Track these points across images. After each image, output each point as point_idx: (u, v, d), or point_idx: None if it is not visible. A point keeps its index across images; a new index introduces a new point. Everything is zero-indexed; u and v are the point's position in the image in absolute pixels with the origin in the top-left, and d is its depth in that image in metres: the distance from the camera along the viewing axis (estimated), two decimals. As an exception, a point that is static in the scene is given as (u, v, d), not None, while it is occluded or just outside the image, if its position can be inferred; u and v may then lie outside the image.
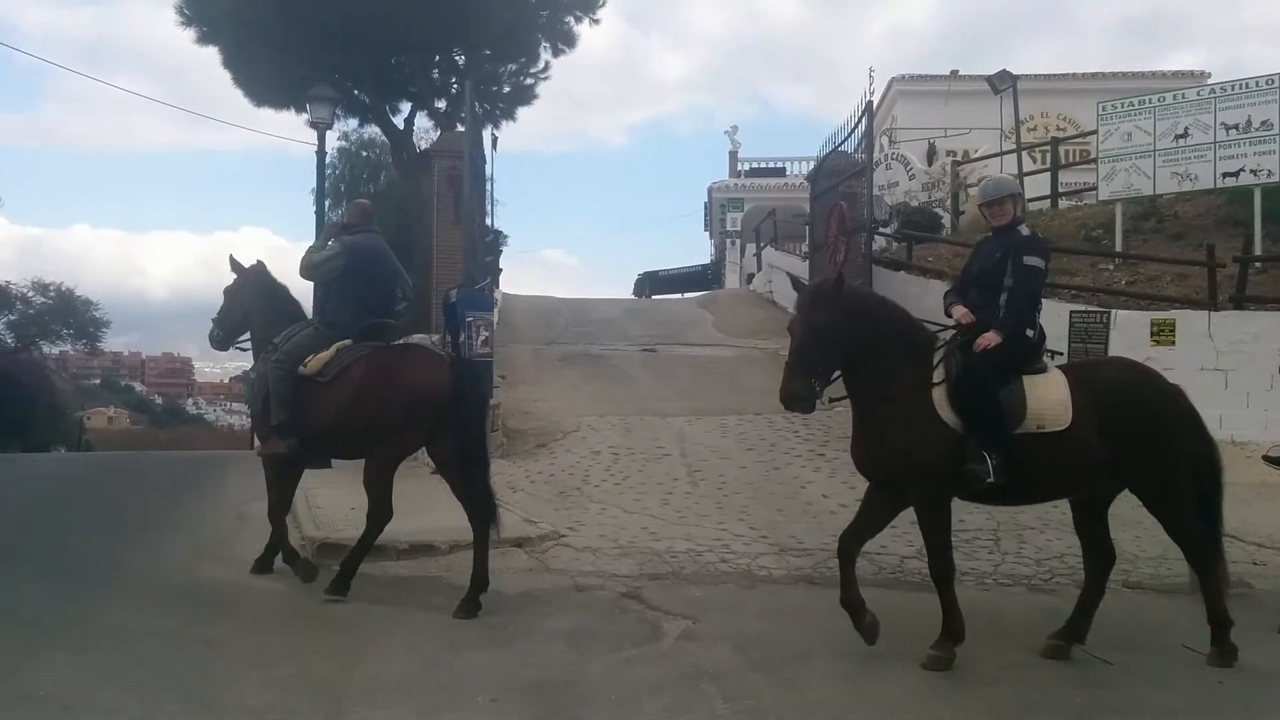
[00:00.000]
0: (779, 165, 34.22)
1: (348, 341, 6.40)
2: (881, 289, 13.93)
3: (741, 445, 10.01)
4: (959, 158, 19.65)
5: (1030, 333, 5.12)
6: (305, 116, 16.34)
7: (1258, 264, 11.32)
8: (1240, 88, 11.70)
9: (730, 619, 5.60)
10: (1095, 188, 13.36)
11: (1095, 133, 13.20)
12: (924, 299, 13.05)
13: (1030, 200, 14.27)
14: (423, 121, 19.44)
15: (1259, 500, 8.20)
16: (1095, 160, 13.25)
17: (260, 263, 7.17)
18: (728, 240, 32.70)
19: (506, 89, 19.17)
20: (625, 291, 35.63)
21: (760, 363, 14.74)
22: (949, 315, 5.35)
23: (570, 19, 18.47)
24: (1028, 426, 4.84)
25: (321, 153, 15.71)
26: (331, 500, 8.59)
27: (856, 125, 14.43)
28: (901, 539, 7.19)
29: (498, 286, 18.70)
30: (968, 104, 21.99)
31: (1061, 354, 10.56)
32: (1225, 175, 11.72)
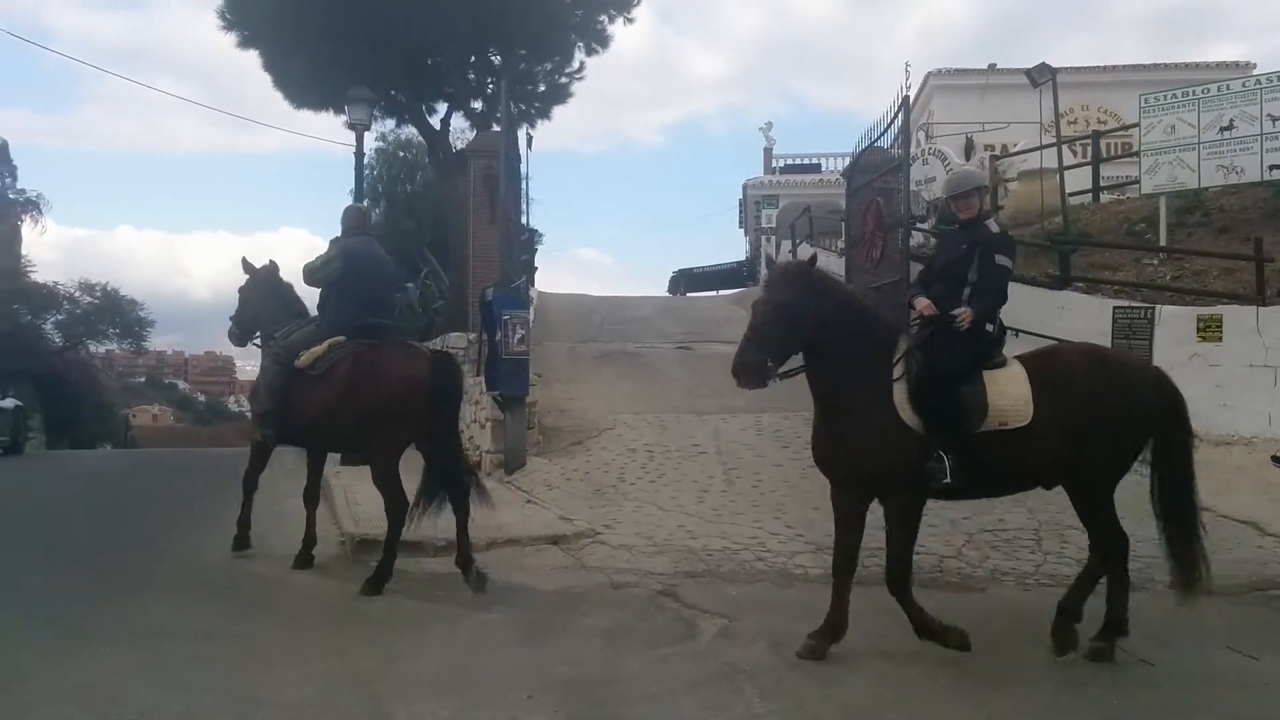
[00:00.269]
0: (814, 162, 34.02)
1: (341, 338, 6.67)
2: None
3: (777, 443, 9.96)
4: (997, 152, 19.41)
5: (990, 327, 5.01)
6: (343, 118, 16.45)
7: (1307, 257, 11.07)
8: (1287, 78, 11.46)
9: (767, 618, 5.57)
10: (1138, 181, 13.13)
11: (1137, 125, 12.97)
12: (962, 295, 12.96)
13: (1071, 194, 14.09)
14: (459, 122, 19.56)
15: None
16: (1138, 153, 13.02)
17: (271, 263, 7.51)
18: (763, 237, 32.56)
19: (542, 88, 19.21)
20: (660, 289, 35.65)
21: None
22: (911, 309, 5.25)
23: (604, 18, 18.47)
24: (989, 424, 4.74)
25: (359, 154, 15.82)
26: (371, 497, 8.64)
27: (893, 120, 14.30)
28: (939, 538, 7.13)
29: (533, 285, 18.76)
30: (1006, 98, 21.70)
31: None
32: (1272, 168, 11.46)
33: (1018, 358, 5.06)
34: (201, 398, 79.99)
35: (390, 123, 20.63)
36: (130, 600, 5.83)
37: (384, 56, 16.79)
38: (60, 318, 31.55)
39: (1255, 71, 17.37)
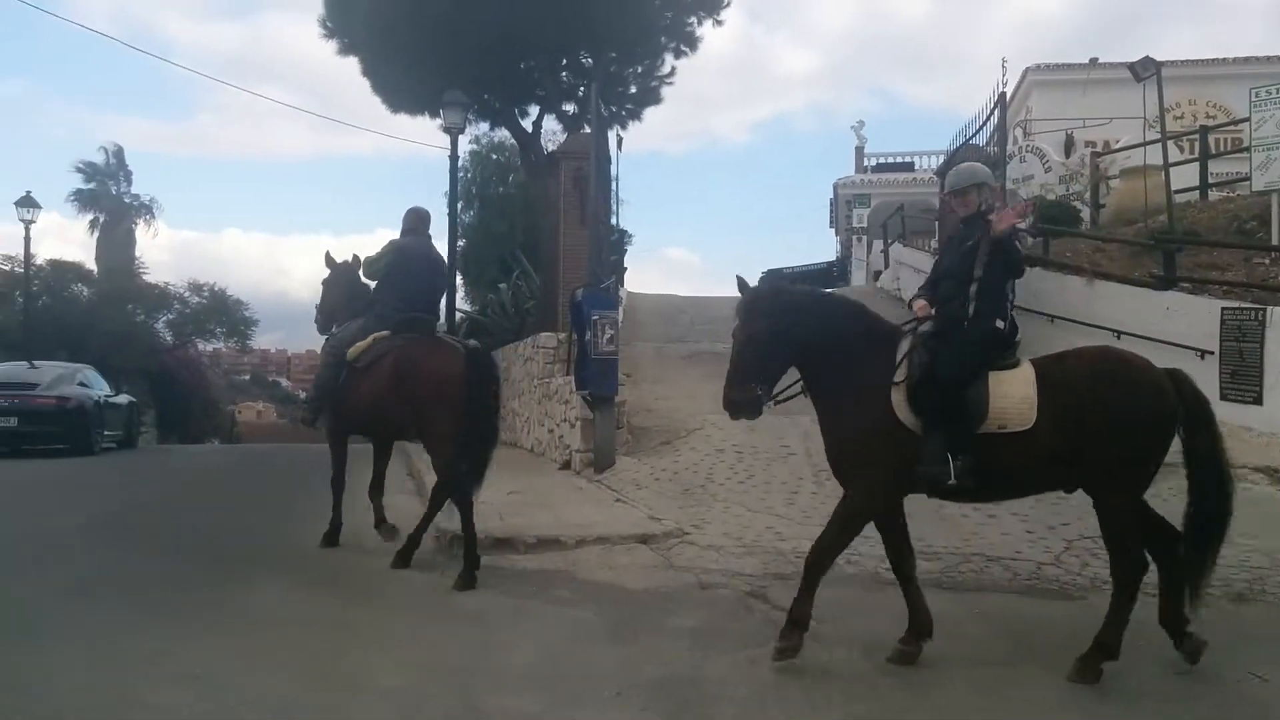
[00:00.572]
0: (907, 160, 33.45)
1: (385, 333, 7.04)
2: (1017, 284, 13.52)
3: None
4: (1099, 149, 18.84)
5: (1000, 324, 4.82)
6: (439, 121, 16.83)
7: None
8: None
9: (856, 621, 5.52)
10: (1248, 178, 12.61)
11: (1248, 120, 12.45)
12: (1060, 295, 12.61)
13: (1177, 192, 13.59)
14: (551, 124, 19.80)
15: None
16: (1248, 149, 12.49)
17: (355, 257, 7.80)
18: (854, 237, 32.20)
19: (632, 90, 19.33)
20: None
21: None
22: (910, 310, 5.15)
23: (694, 20, 18.50)
24: (989, 427, 4.59)
25: (454, 156, 16.15)
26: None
27: (988, 117, 14.05)
28: (1038, 544, 6.98)
29: (622, 285, 18.91)
30: (1108, 93, 21.03)
31: (1213, 353, 10.07)
32: (1393, 163, 10.91)
33: (1032, 360, 4.87)
34: (303, 395, 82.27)
35: (484, 126, 21.04)
36: (240, 589, 6.09)
37: (478, 61, 17.10)
38: (171, 317, 32.82)
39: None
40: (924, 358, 4.73)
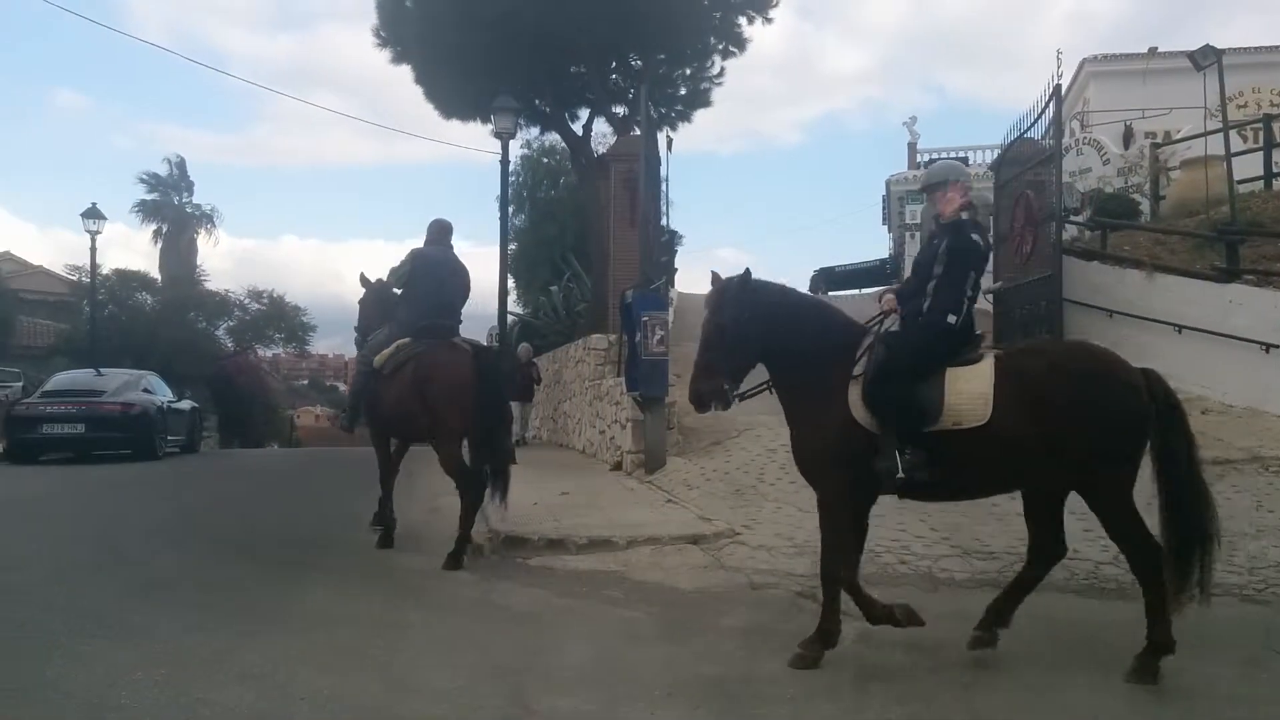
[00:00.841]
0: (960, 155, 32.96)
1: (407, 340, 7.36)
2: (1073, 279, 13.28)
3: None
4: (1159, 139, 18.43)
5: (954, 319, 4.74)
6: (490, 127, 16.99)
7: None
8: None
9: (909, 622, 5.47)
10: (1316, 166, 12.27)
11: (1315, 106, 12.11)
12: (1119, 289, 12.38)
13: (1241, 182, 13.25)
14: (601, 127, 19.92)
15: None
16: (1315, 136, 12.15)
17: (382, 279, 8.28)
18: (907, 234, 31.82)
19: (682, 92, 19.36)
20: (800, 288, 35.29)
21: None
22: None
23: (742, 20, 18.46)
24: (944, 423, 4.53)
25: (505, 161, 16.28)
26: (516, 495, 8.91)
27: (1044, 110, 13.79)
28: (1095, 544, 6.83)
29: (673, 286, 18.92)
30: (1168, 83, 20.56)
31: (1279, 346, 9.81)
32: None
33: (997, 355, 4.80)
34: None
35: (534, 130, 21.19)
36: (297, 590, 6.21)
37: (528, 66, 17.25)
38: (231, 324, 33.46)
39: None
40: (879, 354, 4.71)
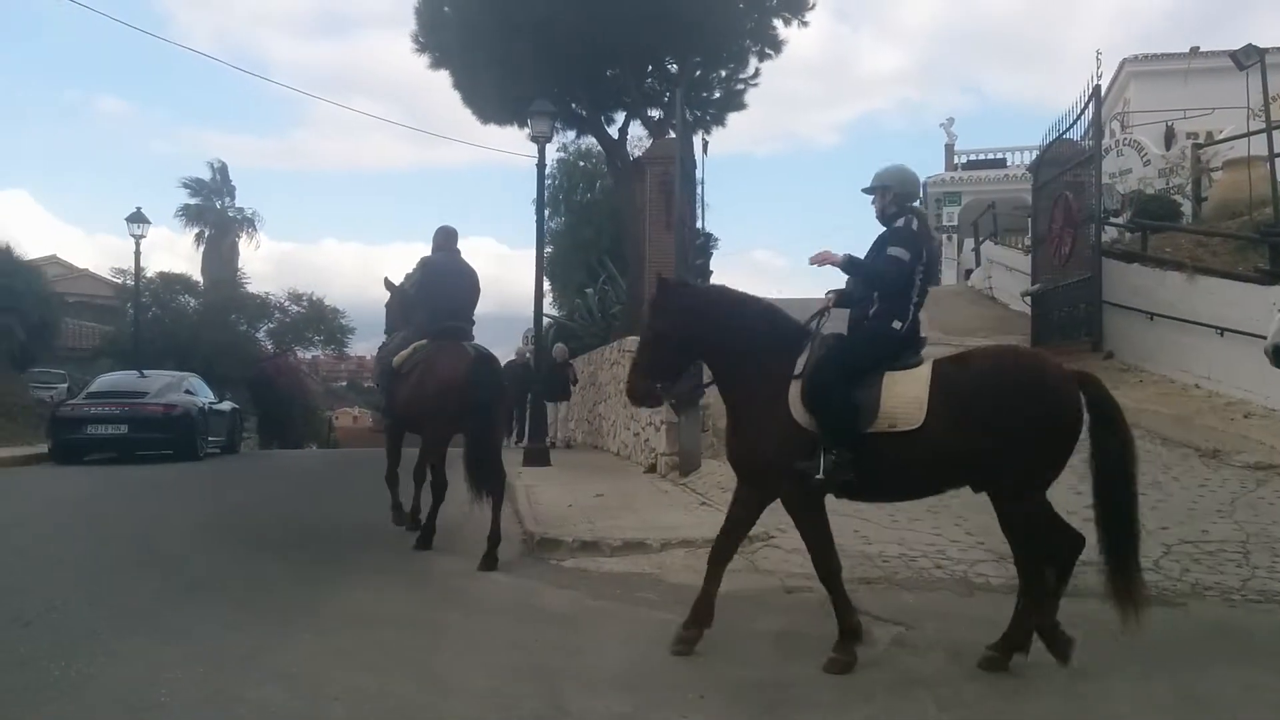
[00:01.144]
0: (998, 156, 32.67)
1: (423, 342, 7.73)
2: (1113, 282, 13.13)
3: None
4: (1200, 140, 18.15)
5: (899, 325, 4.81)
6: (526, 131, 17.07)
7: None
8: None
9: (945, 627, 5.44)
10: (1363, 167, 12.03)
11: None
12: (1159, 291, 12.21)
13: (1287, 182, 13.02)
14: (636, 130, 19.97)
15: None
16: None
17: (403, 285, 8.78)
18: (944, 235, 31.57)
19: (717, 95, 19.37)
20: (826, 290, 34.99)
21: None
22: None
23: (778, 22, 18.43)
24: (879, 426, 4.59)
25: (541, 165, 16.33)
26: (550, 497, 8.98)
27: (1083, 111, 13.67)
28: (1135, 550, 6.76)
29: (708, 289, 18.87)
30: (1210, 82, 20.24)
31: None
32: None
33: (936, 360, 4.85)
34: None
35: (571, 134, 21.27)
36: (334, 589, 6.28)
37: (565, 71, 17.34)
38: (271, 326, 33.79)
39: None
40: (819, 354, 4.78)
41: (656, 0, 16.51)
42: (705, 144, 19.64)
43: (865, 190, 5.24)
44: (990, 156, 32.96)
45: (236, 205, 40.53)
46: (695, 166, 16.82)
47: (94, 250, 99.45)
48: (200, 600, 5.94)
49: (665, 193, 14.06)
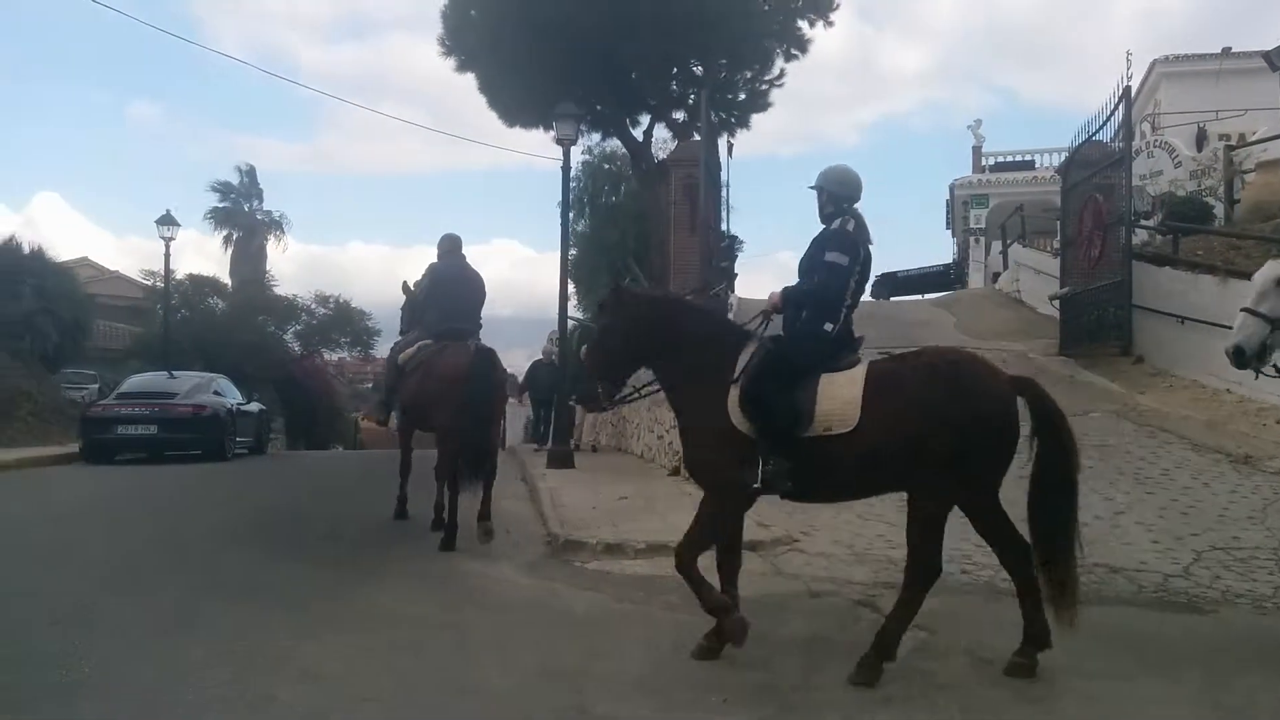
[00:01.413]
0: (1026, 158, 32.43)
1: (428, 341, 8.19)
2: (1143, 285, 12.98)
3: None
4: (1233, 141, 17.93)
5: (830, 327, 4.83)
6: (551, 134, 17.13)
7: None
8: None
9: (970, 632, 5.39)
10: (1401, 167, 11.83)
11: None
12: (1190, 295, 12.06)
13: (1319, 184, 12.85)
14: (661, 133, 19.98)
15: None
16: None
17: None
18: (971, 238, 31.38)
19: (742, 97, 19.35)
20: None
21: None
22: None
23: (803, 23, 18.40)
24: (815, 430, 4.58)
25: (566, 167, 16.33)
26: (574, 499, 8.99)
27: (1113, 112, 13.54)
28: (1165, 555, 6.69)
29: (733, 291, 18.85)
30: (1242, 83, 20.01)
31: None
32: None
33: (873, 360, 4.86)
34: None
35: (595, 136, 21.33)
36: (360, 589, 6.32)
37: (590, 74, 17.38)
38: (299, 328, 34.09)
39: None
40: (755, 359, 4.79)
41: (681, 2, 16.51)
42: (730, 146, 19.65)
43: (810, 187, 5.27)
44: (1018, 158, 32.73)
45: (265, 208, 40.92)
46: (720, 168, 16.84)
47: (124, 252, 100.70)
48: (228, 600, 5.98)
49: (690, 195, 14.08)
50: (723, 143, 18.47)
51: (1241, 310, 4.93)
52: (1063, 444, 4.62)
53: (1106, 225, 13.72)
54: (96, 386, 24.35)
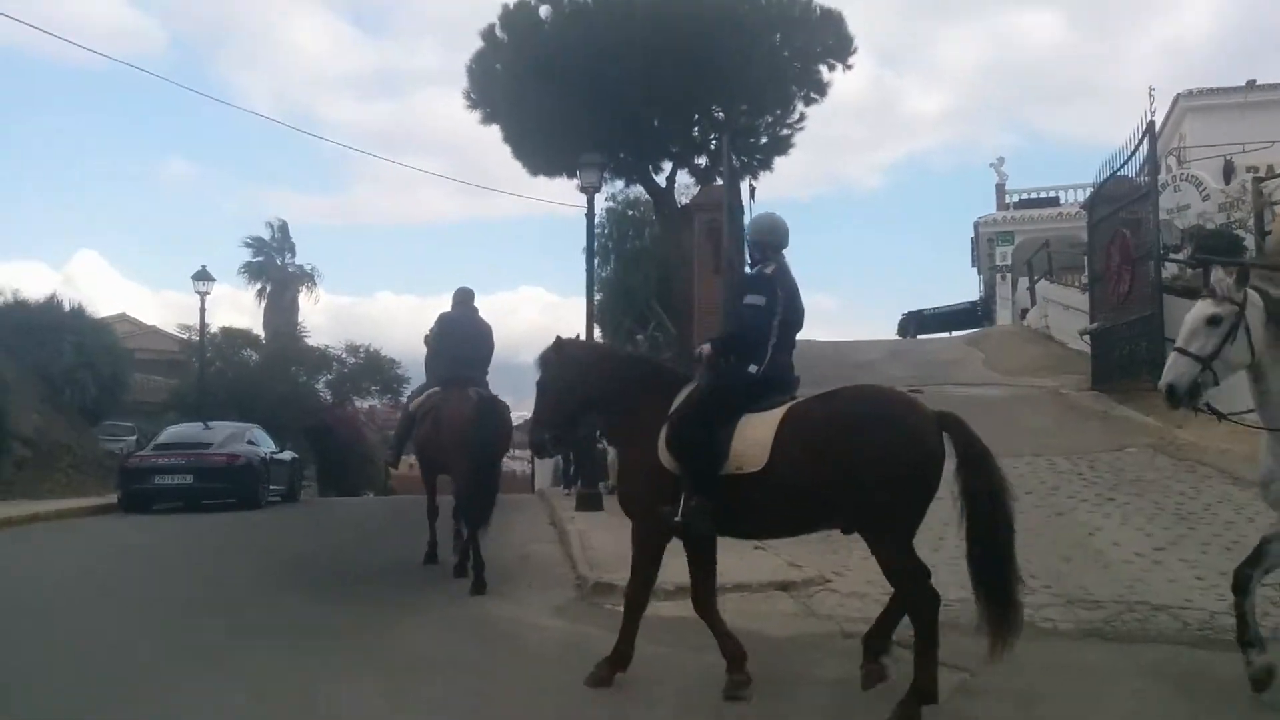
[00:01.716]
0: (1051, 195, 32.37)
1: (436, 389, 8.54)
2: (1176, 318, 12.85)
3: (1019, 488, 9.34)
4: (1261, 173, 17.83)
5: (755, 369, 5.01)
6: (575, 182, 17.28)
7: None
8: None
9: (1011, 673, 5.27)
10: None
11: None
12: (1224, 328, 11.91)
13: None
14: (684, 178, 20.10)
15: None
16: None
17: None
18: (997, 275, 31.24)
19: (763, 140, 19.46)
20: (887, 333, 34.75)
21: (1037, 402, 13.98)
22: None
23: (823, 68, 18.55)
24: (729, 468, 4.74)
25: (590, 215, 16.48)
26: (604, 543, 8.94)
27: (1137, 147, 13.54)
28: (1210, 592, 6.56)
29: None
30: (1268, 115, 19.97)
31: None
32: None
33: (795, 401, 4.96)
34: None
35: (619, 183, 21.45)
36: (390, 632, 6.33)
37: (612, 122, 17.57)
38: (330, 377, 34.38)
39: None
40: (682, 401, 5.00)
41: (701, 49, 16.72)
42: (752, 189, 19.67)
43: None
44: (1042, 195, 32.68)
45: (296, 261, 41.39)
46: (742, 211, 16.90)
47: (161, 307, 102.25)
48: (263, 643, 6.01)
49: (713, 239, 14.15)
50: (745, 186, 18.57)
51: (1173, 349, 4.92)
52: (990, 480, 4.58)
53: (1135, 259, 13.66)
54: (134, 438, 24.59)
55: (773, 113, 19.08)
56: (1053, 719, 4.53)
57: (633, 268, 26.67)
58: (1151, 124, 13.40)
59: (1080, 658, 5.71)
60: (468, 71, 19.25)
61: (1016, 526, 4.62)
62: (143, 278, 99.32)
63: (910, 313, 34.59)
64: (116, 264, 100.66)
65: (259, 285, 40.02)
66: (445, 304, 9.29)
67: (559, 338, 5.56)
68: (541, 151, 18.97)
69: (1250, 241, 16.02)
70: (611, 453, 17.75)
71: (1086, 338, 15.71)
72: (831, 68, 18.53)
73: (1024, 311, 25.43)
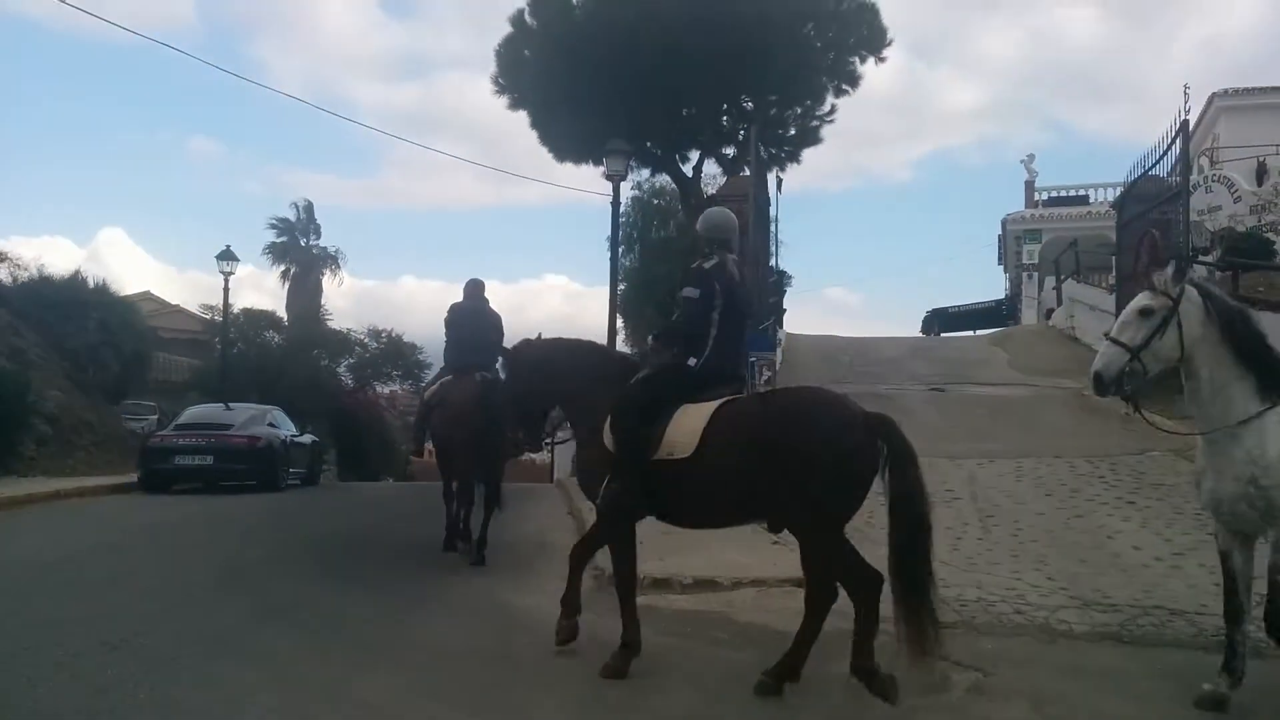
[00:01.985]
0: (1080, 193, 32.04)
1: (448, 377, 8.98)
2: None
3: (1039, 490, 9.44)
4: (1295, 175, 17.60)
5: (693, 362, 5.21)
6: (601, 169, 17.30)
7: None
8: None
9: (1025, 674, 5.30)
10: None
11: None
12: (1253, 333, 11.78)
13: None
14: (710, 168, 20.09)
15: None
16: None
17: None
18: (1024, 274, 31.01)
19: (792, 132, 19.42)
20: (910, 330, 34.58)
21: (1060, 403, 13.86)
22: None
23: (855, 59, 18.45)
24: (660, 454, 4.97)
25: (616, 203, 16.50)
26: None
27: (1170, 146, 13.39)
28: (1226, 599, 6.50)
29: (781, 326, 18.82)
30: (1304, 116, 19.66)
31: None
32: None
33: (735, 396, 5.19)
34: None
35: (645, 172, 21.47)
36: (410, 619, 6.39)
37: (639, 110, 17.56)
38: (352, 361, 34.42)
39: None
40: (624, 389, 5.24)
41: (732, 39, 16.66)
42: (780, 181, 19.63)
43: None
44: (1072, 193, 32.36)
45: (321, 243, 41.57)
46: (769, 203, 16.86)
47: (185, 286, 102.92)
48: (282, 628, 6.07)
49: (739, 230, 14.07)
50: (772, 178, 18.50)
51: (1105, 337, 4.93)
52: (913, 478, 4.71)
53: (1163, 261, 13.50)
54: (155, 417, 24.81)
55: (803, 104, 19.04)
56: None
57: (657, 258, 26.64)
58: (1185, 123, 13.25)
59: (1095, 659, 5.69)
60: (496, 56, 19.31)
61: (935, 528, 4.84)
62: (168, 256, 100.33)
63: (934, 310, 34.41)
64: (142, 242, 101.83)
65: (283, 267, 40.24)
66: (468, 291, 9.43)
67: (523, 340, 5.93)
68: (568, 137, 19.00)
69: (1281, 245, 15.84)
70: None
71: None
72: (864, 59, 18.47)
73: (1049, 311, 25.22)
